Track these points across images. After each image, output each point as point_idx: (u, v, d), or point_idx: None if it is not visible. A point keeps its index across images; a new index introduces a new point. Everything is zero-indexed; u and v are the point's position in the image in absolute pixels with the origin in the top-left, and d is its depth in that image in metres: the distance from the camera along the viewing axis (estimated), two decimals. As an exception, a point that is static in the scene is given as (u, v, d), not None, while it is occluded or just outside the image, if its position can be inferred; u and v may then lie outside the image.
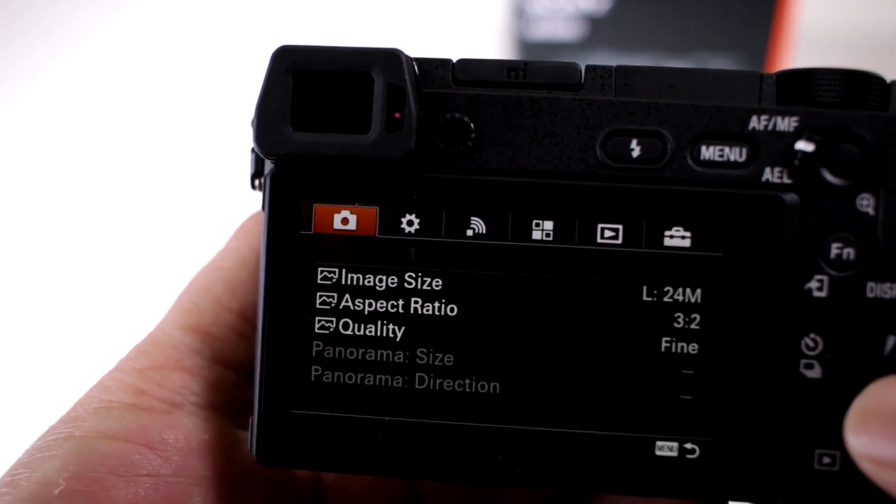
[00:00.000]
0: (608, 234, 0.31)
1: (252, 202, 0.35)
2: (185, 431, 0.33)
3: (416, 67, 0.31)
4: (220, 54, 0.93)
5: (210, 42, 0.94)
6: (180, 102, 0.93)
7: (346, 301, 0.31)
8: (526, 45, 0.84)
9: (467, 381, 0.31)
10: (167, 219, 0.89)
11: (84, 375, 0.35)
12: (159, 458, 0.32)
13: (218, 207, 0.77)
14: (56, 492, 0.30)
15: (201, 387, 0.34)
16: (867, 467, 0.27)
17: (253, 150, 0.34)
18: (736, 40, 0.82)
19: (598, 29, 0.83)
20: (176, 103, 0.93)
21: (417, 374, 0.31)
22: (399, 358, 0.31)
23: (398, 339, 0.31)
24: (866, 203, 0.30)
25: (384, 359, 0.31)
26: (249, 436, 0.32)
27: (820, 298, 0.30)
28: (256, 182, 0.34)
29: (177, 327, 0.35)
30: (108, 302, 0.87)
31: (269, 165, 0.32)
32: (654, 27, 0.83)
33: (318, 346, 0.31)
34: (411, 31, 0.90)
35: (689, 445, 0.31)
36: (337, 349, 0.31)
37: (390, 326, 0.31)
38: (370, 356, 0.31)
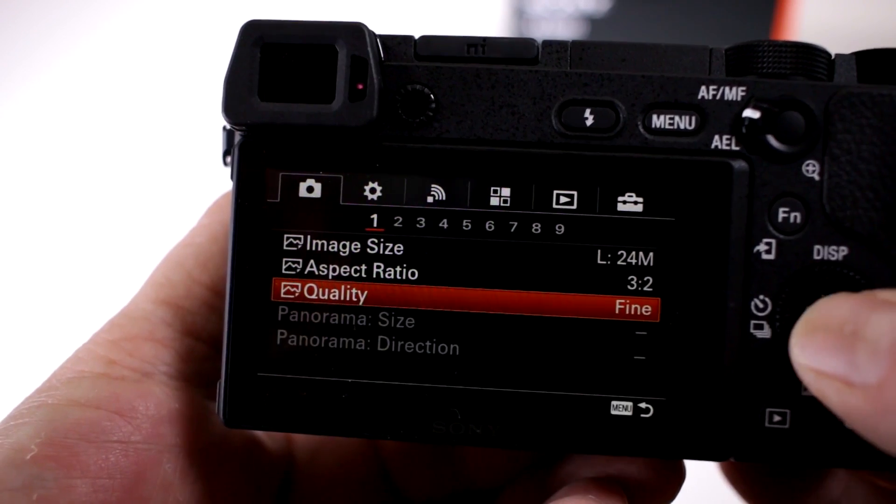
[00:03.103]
0: (563, 199, 0.32)
1: (223, 184, 0.36)
2: (155, 400, 0.34)
3: (378, 42, 0.32)
4: (190, 41, 0.94)
5: (184, 31, 0.96)
6: (153, 88, 0.94)
7: (311, 266, 0.32)
8: None
9: (427, 344, 0.32)
10: (143, 203, 0.90)
11: (61, 354, 0.36)
12: (129, 426, 0.33)
13: (190, 191, 0.78)
14: (28, 457, 0.30)
15: (172, 357, 0.35)
16: (808, 377, 0.28)
17: (225, 128, 0.35)
18: (736, 40, 0.82)
19: (598, 29, 0.84)
20: (148, 89, 0.94)
21: (379, 337, 0.32)
22: (362, 321, 0.32)
23: (361, 303, 0.32)
24: (812, 169, 0.31)
25: (347, 322, 0.32)
26: (217, 399, 0.33)
27: (768, 261, 0.31)
28: (228, 158, 0.35)
29: (149, 301, 0.36)
30: (85, 283, 0.88)
31: (237, 138, 0.33)
32: (654, 27, 0.84)
33: (283, 310, 0.32)
34: (411, 31, 0.90)
35: (643, 405, 0.31)
36: (301, 313, 0.32)
37: (353, 291, 0.32)
38: (334, 320, 0.32)
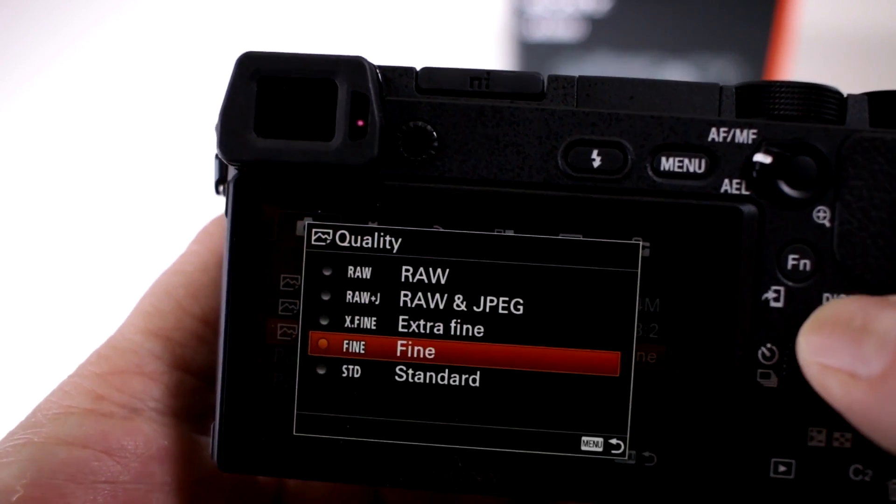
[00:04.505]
0: None
1: (215, 205, 0.35)
2: (144, 437, 0.33)
3: (379, 75, 0.31)
4: (190, 58, 0.92)
5: (178, 46, 0.94)
6: (144, 107, 0.92)
7: None
8: (526, 45, 0.84)
9: (428, 390, 0.31)
10: (129, 221, 0.88)
11: (44, 379, 0.35)
12: (118, 465, 0.32)
13: (180, 210, 0.77)
14: (14, 498, 0.29)
15: (162, 392, 0.34)
16: (812, 371, 0.27)
17: (217, 156, 0.34)
18: (736, 41, 0.82)
19: (598, 29, 0.83)
20: (140, 108, 0.92)
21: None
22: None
23: (361, 351, 0.32)
24: (823, 215, 0.30)
25: None
26: (210, 442, 0.32)
27: (777, 309, 0.31)
28: (220, 188, 0.34)
29: (138, 331, 0.35)
30: (69, 305, 0.86)
31: (232, 171, 0.32)
32: (654, 27, 0.83)
33: (279, 352, 0.31)
34: (411, 32, 0.89)
35: (647, 454, 0.31)
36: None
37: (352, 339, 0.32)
38: None
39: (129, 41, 0.94)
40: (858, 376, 0.26)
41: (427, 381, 0.31)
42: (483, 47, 0.89)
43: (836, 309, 0.28)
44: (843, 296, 0.30)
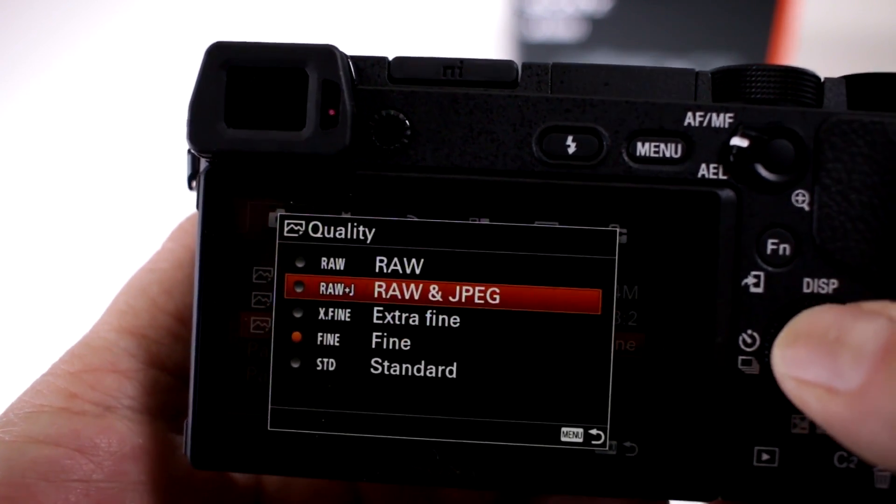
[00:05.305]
0: None
1: (190, 202, 0.34)
2: (118, 436, 0.32)
3: (350, 64, 0.30)
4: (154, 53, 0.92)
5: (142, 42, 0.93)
6: (117, 105, 0.91)
7: None
8: (526, 45, 0.84)
9: (406, 374, 0.31)
10: (104, 220, 0.87)
11: (17, 379, 0.35)
12: (91, 463, 0.31)
13: (154, 208, 0.76)
14: None
15: (136, 390, 0.34)
16: (789, 386, 0.27)
17: (189, 150, 0.34)
18: (736, 40, 0.82)
19: (599, 29, 0.83)
20: (113, 106, 0.91)
21: None
22: None
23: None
24: (801, 199, 0.30)
25: None
26: (184, 438, 0.31)
27: (757, 294, 0.30)
28: (193, 183, 0.34)
29: (111, 329, 0.34)
30: (43, 304, 0.85)
31: (203, 164, 0.31)
32: (654, 27, 0.83)
33: (252, 346, 0.31)
34: (411, 32, 0.89)
35: (628, 444, 0.30)
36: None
37: None
38: None
39: (100, 45, 0.94)
40: (836, 391, 0.25)
41: (403, 373, 0.31)
42: (483, 47, 0.89)
43: (810, 321, 0.27)
44: (822, 280, 0.30)
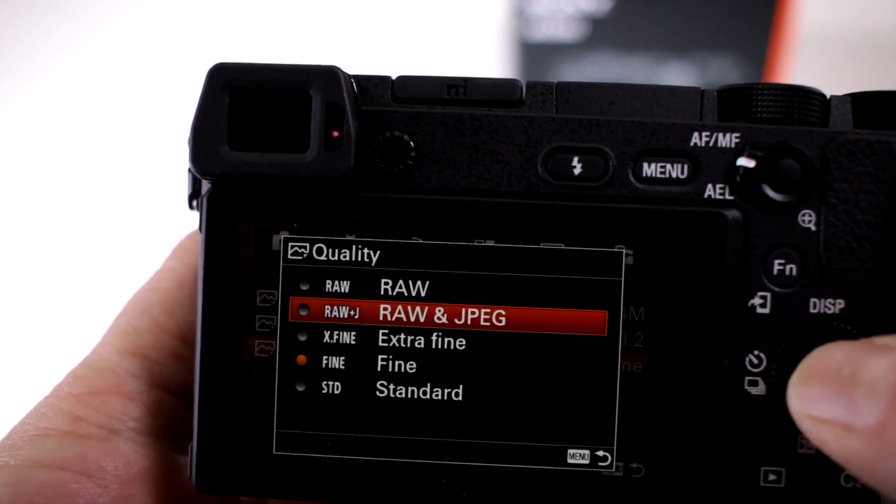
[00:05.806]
0: None
1: (191, 221, 0.34)
2: (124, 459, 0.32)
3: (354, 85, 0.30)
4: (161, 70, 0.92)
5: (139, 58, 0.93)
6: (117, 123, 0.91)
7: None
8: (526, 45, 0.84)
9: (412, 399, 0.31)
10: (104, 238, 0.87)
11: (21, 400, 0.34)
12: (98, 487, 0.31)
13: (155, 226, 0.76)
14: None
15: (140, 412, 0.34)
16: (806, 425, 0.27)
17: (190, 170, 0.33)
18: (736, 40, 0.82)
19: (599, 29, 0.83)
20: (113, 124, 0.91)
21: None
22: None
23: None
24: (808, 219, 0.30)
25: None
26: (189, 462, 0.31)
27: (763, 315, 0.30)
28: (194, 202, 0.33)
29: (114, 351, 0.34)
30: (43, 324, 0.85)
31: (206, 185, 0.31)
32: (654, 27, 0.82)
33: (257, 370, 0.31)
34: (411, 33, 0.88)
35: (634, 465, 0.30)
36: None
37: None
38: None
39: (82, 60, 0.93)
40: (853, 428, 0.25)
41: (409, 395, 0.31)
42: (483, 48, 0.89)
43: (823, 358, 0.27)
44: (829, 300, 0.30)
